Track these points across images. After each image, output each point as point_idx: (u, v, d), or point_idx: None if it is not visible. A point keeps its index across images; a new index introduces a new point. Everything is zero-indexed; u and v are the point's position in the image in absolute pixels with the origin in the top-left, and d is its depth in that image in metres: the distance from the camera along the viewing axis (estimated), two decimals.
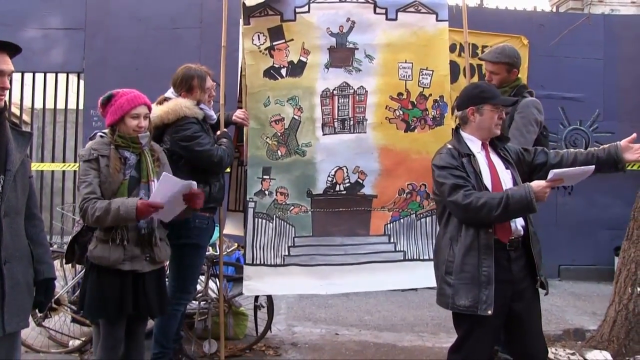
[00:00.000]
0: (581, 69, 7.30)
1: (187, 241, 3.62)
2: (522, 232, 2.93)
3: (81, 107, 7.18)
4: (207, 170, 3.74)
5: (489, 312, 2.80)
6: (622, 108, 7.39)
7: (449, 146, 3.06)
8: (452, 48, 5.95)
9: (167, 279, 3.55)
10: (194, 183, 3.04)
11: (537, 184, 2.78)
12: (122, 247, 2.98)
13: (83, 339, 4.38)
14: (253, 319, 4.57)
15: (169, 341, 3.81)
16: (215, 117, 3.91)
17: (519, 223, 2.92)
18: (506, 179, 2.97)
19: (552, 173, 2.78)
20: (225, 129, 3.99)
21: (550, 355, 4.27)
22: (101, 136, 3.14)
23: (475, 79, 6.40)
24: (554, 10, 8.73)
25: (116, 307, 2.99)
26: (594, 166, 2.90)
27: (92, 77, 6.90)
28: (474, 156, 2.97)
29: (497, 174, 2.97)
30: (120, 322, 3.07)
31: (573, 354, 4.33)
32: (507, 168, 3.02)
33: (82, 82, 7.21)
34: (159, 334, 3.76)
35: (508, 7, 7.78)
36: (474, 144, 3.03)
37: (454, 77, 5.77)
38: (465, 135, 3.05)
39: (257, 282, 4.03)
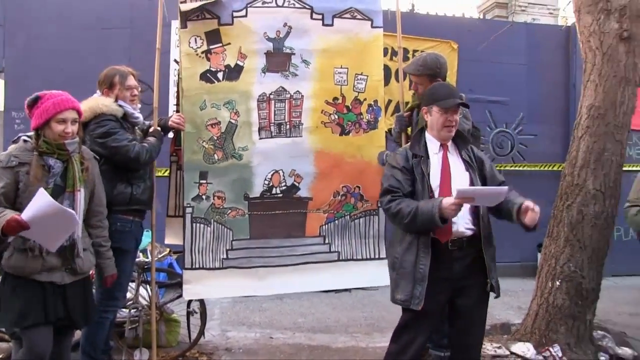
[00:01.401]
0: (506, 73, 7.71)
1: None
2: (466, 233, 3.09)
3: (1, 108, 6.89)
4: (128, 169, 3.71)
5: (420, 307, 3.01)
6: (544, 111, 7.86)
7: (407, 145, 3.28)
8: (384, 52, 6.10)
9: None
10: (73, 213, 2.85)
11: (447, 200, 2.92)
12: (41, 257, 2.88)
13: (0, 355, 4.22)
14: (186, 325, 4.59)
15: (98, 352, 3.74)
16: (138, 116, 3.89)
17: (461, 225, 3.08)
18: (462, 180, 3.11)
19: (457, 191, 2.91)
20: (158, 128, 3.98)
21: None
22: (25, 140, 2.99)
23: (407, 83, 6.65)
24: (481, 16, 9.14)
25: (33, 318, 2.88)
26: (507, 187, 3.03)
27: (13, 76, 6.65)
28: (426, 157, 3.14)
29: (448, 176, 3.11)
30: (42, 334, 2.94)
31: (499, 347, 4.60)
32: (467, 170, 3.17)
33: (1, 82, 6.91)
34: (87, 345, 3.70)
35: (438, 13, 8.09)
36: (433, 145, 3.20)
37: (386, 81, 5.93)
38: (427, 135, 3.22)
39: (197, 286, 4.11)
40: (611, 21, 4.52)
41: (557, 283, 4.49)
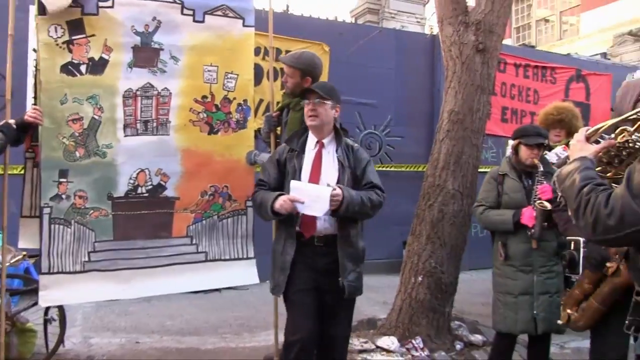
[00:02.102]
0: (376, 77, 8.01)
1: None
2: (329, 231, 3.22)
3: None
4: None
5: (280, 294, 3.25)
6: (411, 114, 8.26)
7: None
8: (257, 51, 6.16)
9: None
10: None
11: (284, 195, 3.11)
12: None
13: None
14: (43, 334, 4.32)
15: None
16: None
17: (326, 221, 3.20)
18: (331, 178, 3.22)
19: (291, 186, 3.10)
20: (10, 121, 3.69)
21: None
22: None
23: (278, 83, 6.72)
24: (354, 21, 9.45)
25: None
26: (330, 188, 3.08)
27: None
28: (301, 152, 3.28)
29: (317, 173, 3.24)
30: None
31: (366, 342, 4.78)
32: (338, 169, 3.26)
33: None
34: None
35: (312, 15, 8.24)
36: (311, 141, 3.33)
37: (258, 80, 5.99)
38: (310, 132, 3.35)
39: (55, 292, 3.87)
40: (469, 33, 4.87)
41: (420, 278, 4.76)
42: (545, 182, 3.76)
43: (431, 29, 9.51)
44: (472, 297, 6.47)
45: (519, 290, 3.84)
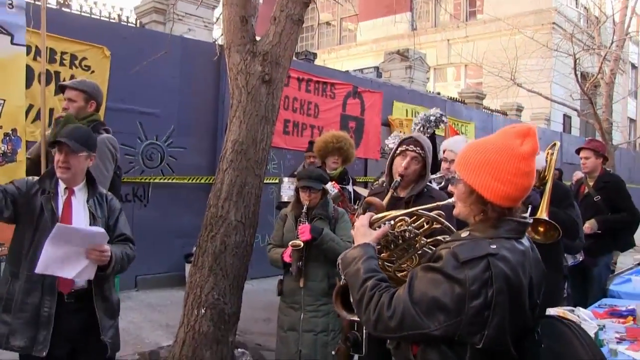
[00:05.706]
0: (159, 85, 7.82)
1: None
2: (81, 285, 3.10)
3: None
4: None
5: (44, 353, 2.95)
6: (194, 125, 8.24)
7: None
8: (27, 50, 5.64)
9: None
10: None
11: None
12: None
13: None
14: None
15: None
16: None
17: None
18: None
19: (56, 227, 2.88)
20: None
21: None
22: None
23: (52, 87, 6.23)
24: (137, 22, 9.06)
25: None
26: (102, 230, 3.00)
27: None
28: (56, 195, 3.09)
29: (68, 223, 3.07)
30: None
31: None
32: (89, 220, 3.14)
33: None
34: None
35: (93, 11, 7.75)
36: (61, 185, 3.15)
37: (28, 84, 5.50)
38: None
39: None
40: (256, 64, 4.99)
41: (202, 311, 4.79)
42: (307, 222, 4.12)
43: (216, 40, 9.49)
44: (254, 313, 6.56)
45: (287, 325, 4.23)
